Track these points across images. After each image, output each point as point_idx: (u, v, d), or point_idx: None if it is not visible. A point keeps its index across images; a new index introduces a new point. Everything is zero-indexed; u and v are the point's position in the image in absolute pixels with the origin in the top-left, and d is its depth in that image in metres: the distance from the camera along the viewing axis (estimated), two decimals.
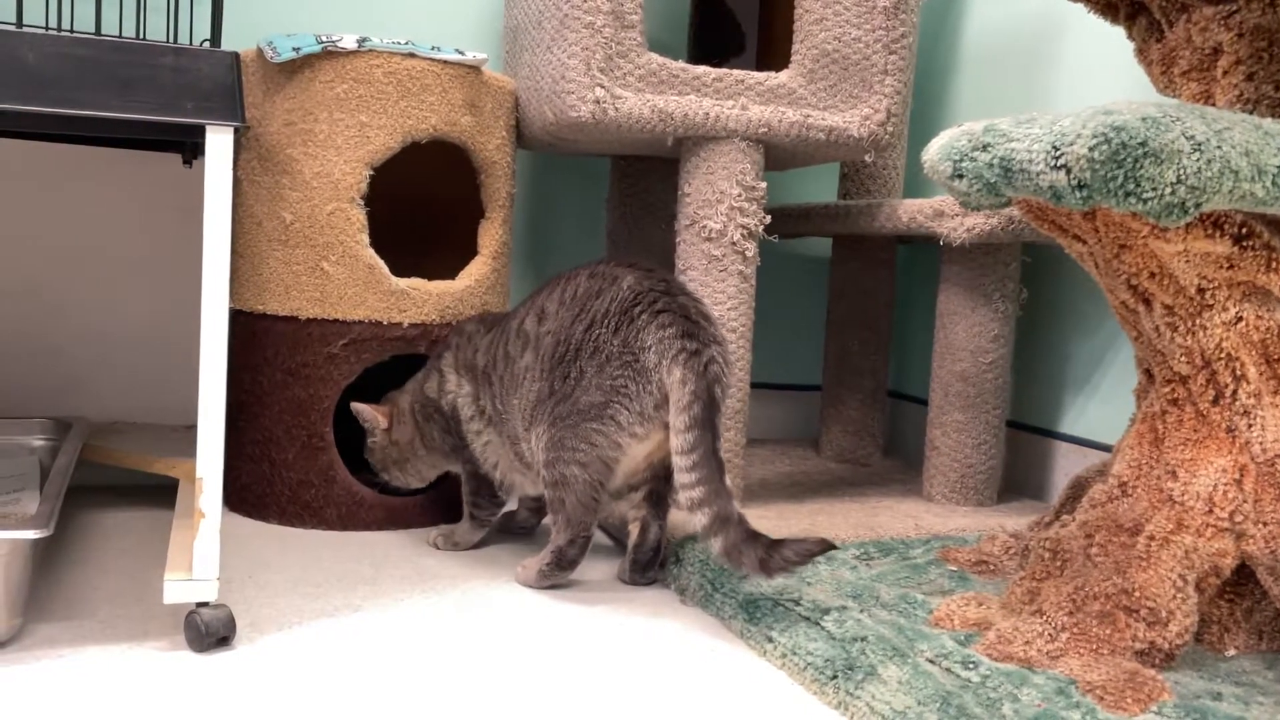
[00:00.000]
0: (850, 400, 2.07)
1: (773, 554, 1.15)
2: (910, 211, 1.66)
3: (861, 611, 1.18)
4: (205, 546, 1.09)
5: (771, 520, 1.56)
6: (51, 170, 1.72)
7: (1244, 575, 1.15)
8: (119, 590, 1.25)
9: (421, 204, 1.78)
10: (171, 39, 1.41)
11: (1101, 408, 1.76)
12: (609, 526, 1.59)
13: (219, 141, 1.06)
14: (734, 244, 1.56)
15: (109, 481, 1.63)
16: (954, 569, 1.41)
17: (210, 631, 1.09)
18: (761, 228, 1.59)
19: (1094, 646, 1.07)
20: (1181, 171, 0.93)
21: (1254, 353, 1.10)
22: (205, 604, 1.10)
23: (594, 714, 1.00)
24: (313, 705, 0.98)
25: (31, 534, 1.04)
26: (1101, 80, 1.73)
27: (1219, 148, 0.93)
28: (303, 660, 1.08)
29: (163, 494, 1.50)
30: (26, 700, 0.96)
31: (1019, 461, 1.90)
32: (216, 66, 1.08)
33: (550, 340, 1.34)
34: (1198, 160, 0.93)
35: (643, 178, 1.88)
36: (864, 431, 2.07)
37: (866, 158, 1.67)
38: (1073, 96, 1.79)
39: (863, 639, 1.09)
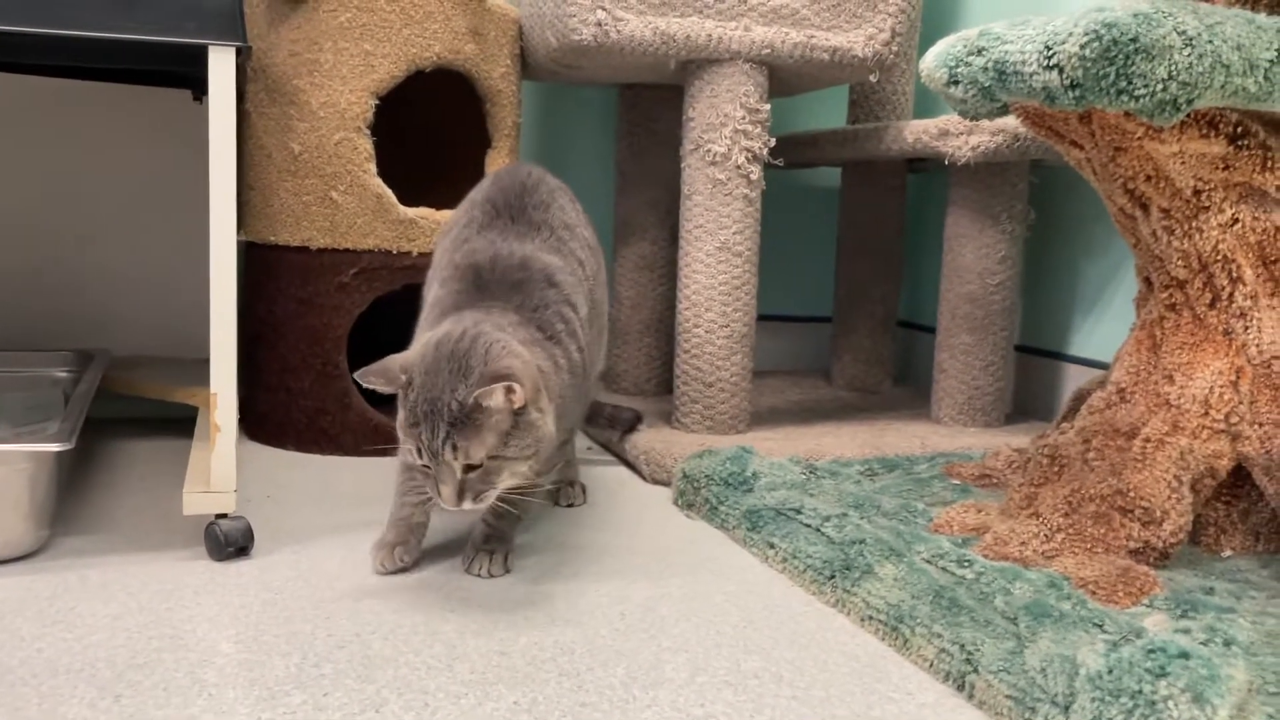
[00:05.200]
0: (861, 329, 2.08)
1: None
2: (915, 132, 1.65)
3: (862, 519, 1.21)
4: (222, 459, 1.12)
5: (778, 441, 1.59)
6: (71, 109, 1.74)
7: (1241, 477, 1.16)
8: (142, 508, 1.30)
9: (428, 134, 1.80)
10: None
11: (1110, 329, 1.76)
12: (630, 458, 1.63)
13: (222, 62, 1.08)
14: (738, 167, 1.57)
15: (132, 414, 1.68)
16: (957, 482, 1.43)
17: (229, 541, 1.13)
18: (766, 150, 1.59)
19: (1089, 546, 1.09)
20: (1173, 67, 0.93)
21: (1250, 254, 1.11)
22: (224, 515, 1.14)
23: (601, 616, 1.03)
24: (327, 609, 1.02)
25: (54, 447, 1.08)
26: None
27: (1210, 42, 0.93)
28: (319, 569, 1.12)
29: (185, 426, 1.54)
30: (54, 605, 1.00)
31: (1029, 385, 1.91)
32: None
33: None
34: (1189, 55, 0.93)
35: (650, 107, 1.88)
36: (874, 360, 2.08)
37: (871, 78, 1.66)
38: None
39: (861, 542, 1.12)
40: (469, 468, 0.98)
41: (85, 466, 1.47)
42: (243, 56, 1.13)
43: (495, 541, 1.14)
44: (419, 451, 0.98)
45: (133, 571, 1.09)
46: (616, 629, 1.00)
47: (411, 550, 1.14)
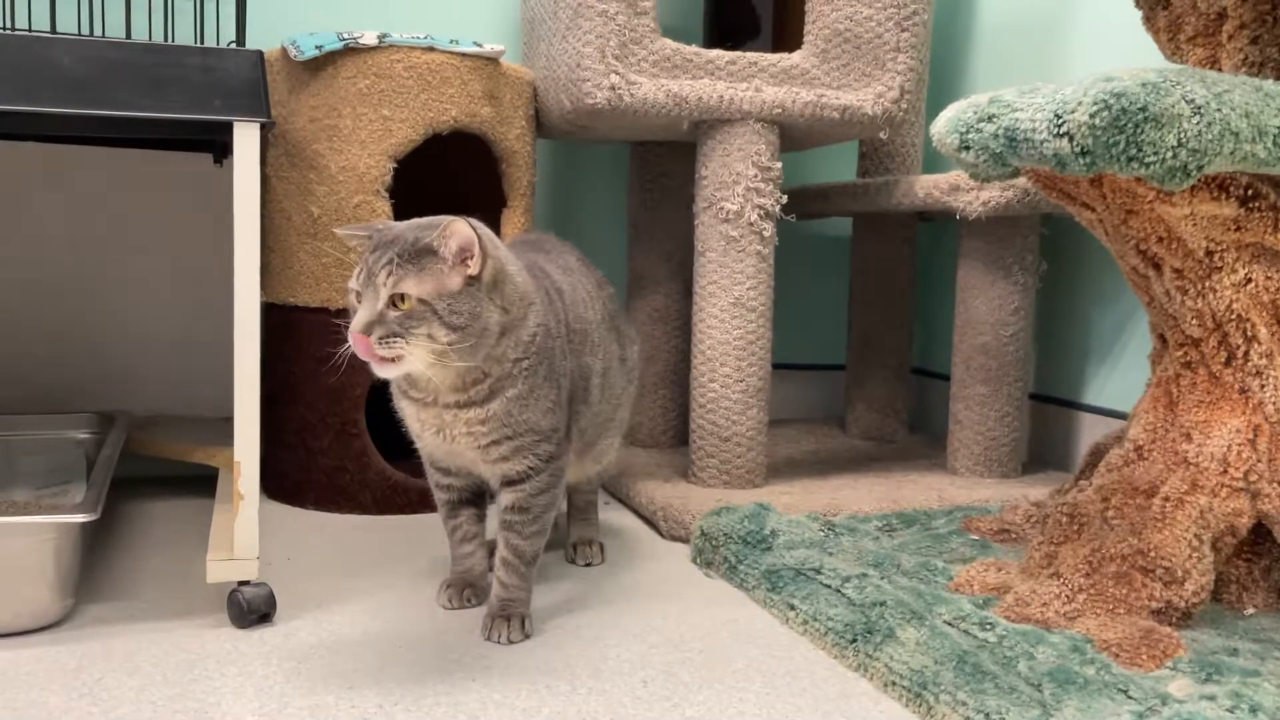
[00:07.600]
0: (874, 377, 2.08)
1: None
2: (926, 187, 1.67)
3: (882, 578, 1.21)
4: (245, 526, 1.13)
5: (795, 495, 1.59)
6: (90, 173, 1.77)
7: (1261, 534, 1.16)
8: (165, 573, 1.30)
9: (445, 195, 1.82)
10: (198, 41, 1.45)
11: (1124, 377, 1.76)
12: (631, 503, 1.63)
13: (246, 137, 1.10)
14: (751, 224, 1.59)
15: (153, 474, 1.69)
16: (976, 538, 1.43)
17: (252, 608, 1.14)
18: (778, 208, 1.61)
19: (1110, 606, 1.09)
20: (1182, 135, 0.94)
21: (1264, 313, 1.11)
22: (246, 582, 1.15)
23: (623, 683, 1.03)
24: (350, 679, 1.02)
25: (80, 517, 1.09)
26: (1115, 51, 1.73)
27: (1219, 110, 0.94)
28: (340, 636, 1.12)
29: (205, 485, 1.55)
30: (80, 677, 1.01)
31: (1044, 434, 1.91)
32: (242, 65, 1.12)
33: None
34: (1198, 123, 0.94)
35: (662, 163, 1.90)
36: (888, 408, 2.09)
37: (881, 135, 1.69)
38: (1087, 68, 1.79)
39: (882, 604, 1.12)
40: (394, 302, 0.99)
41: (105, 528, 1.48)
42: (267, 130, 1.15)
43: (512, 606, 1.15)
44: (359, 275, 1.00)
45: (157, 640, 1.10)
46: (639, 697, 1.00)
47: (479, 594, 1.22)
